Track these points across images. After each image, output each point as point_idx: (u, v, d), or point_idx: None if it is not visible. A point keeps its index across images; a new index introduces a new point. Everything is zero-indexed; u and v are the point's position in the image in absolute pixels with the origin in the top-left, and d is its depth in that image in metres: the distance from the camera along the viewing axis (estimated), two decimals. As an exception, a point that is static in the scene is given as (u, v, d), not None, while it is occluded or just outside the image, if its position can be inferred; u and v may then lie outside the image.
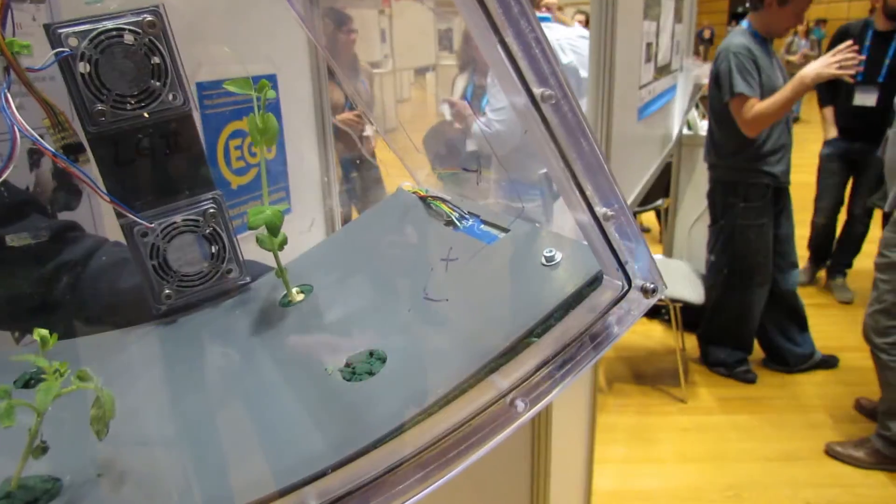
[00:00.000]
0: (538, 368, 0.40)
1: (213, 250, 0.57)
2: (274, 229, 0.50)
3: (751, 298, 2.81)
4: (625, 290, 0.42)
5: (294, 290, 0.55)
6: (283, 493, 0.35)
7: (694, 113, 3.33)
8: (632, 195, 2.33)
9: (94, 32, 0.49)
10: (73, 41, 0.49)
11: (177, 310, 0.57)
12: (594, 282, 0.43)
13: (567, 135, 0.36)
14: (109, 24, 0.49)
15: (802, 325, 2.98)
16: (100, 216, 1.04)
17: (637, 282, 0.42)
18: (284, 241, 0.53)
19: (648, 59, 2.60)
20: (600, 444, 2.19)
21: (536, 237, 0.49)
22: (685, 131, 3.35)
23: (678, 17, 2.94)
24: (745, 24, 2.62)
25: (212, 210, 0.56)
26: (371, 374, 0.43)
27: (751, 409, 2.85)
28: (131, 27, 0.50)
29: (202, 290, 0.57)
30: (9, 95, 0.46)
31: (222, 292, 0.58)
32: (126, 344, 0.52)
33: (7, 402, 0.33)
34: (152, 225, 0.54)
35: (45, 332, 0.47)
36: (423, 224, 0.58)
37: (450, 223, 0.56)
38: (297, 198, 1.59)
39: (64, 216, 0.76)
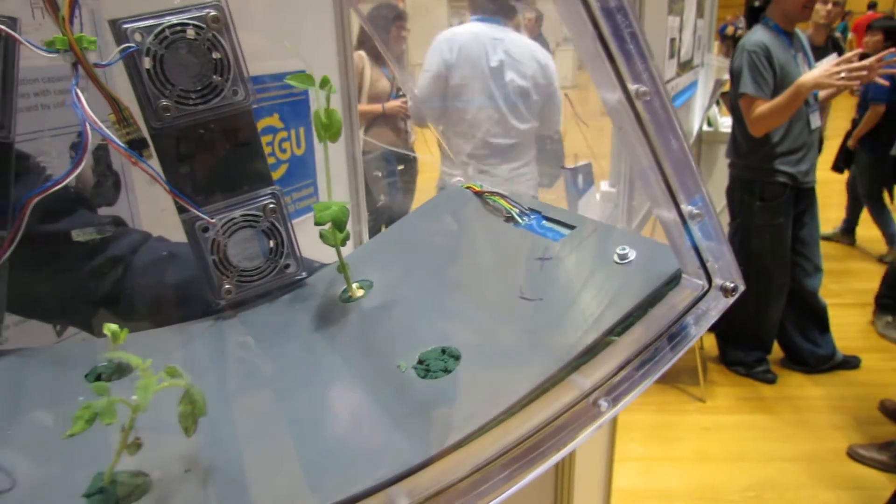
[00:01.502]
0: (620, 368, 0.40)
1: (272, 245, 0.57)
2: (340, 224, 0.49)
3: (769, 298, 2.79)
4: (705, 289, 0.42)
5: (354, 286, 0.55)
6: (372, 491, 0.35)
7: (714, 109, 3.30)
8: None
9: (159, 28, 0.49)
10: (138, 36, 0.48)
11: (235, 304, 0.56)
12: (672, 281, 0.43)
13: (658, 132, 0.36)
14: (174, 20, 0.49)
15: (823, 326, 2.95)
16: (137, 211, 1.05)
17: (717, 281, 0.42)
18: (347, 237, 0.53)
19: (672, 55, 2.58)
20: (619, 442, 2.18)
21: (604, 234, 0.49)
22: (705, 128, 3.33)
23: (700, 12, 2.92)
24: (765, 19, 2.60)
25: (271, 205, 0.56)
26: (447, 371, 0.43)
27: (770, 409, 2.83)
28: (195, 22, 0.50)
29: (260, 284, 0.57)
30: (80, 92, 0.46)
31: (280, 287, 0.58)
32: (189, 338, 0.52)
33: (107, 399, 0.33)
34: (213, 220, 0.53)
35: (115, 326, 0.47)
36: (483, 220, 0.57)
37: (510, 219, 0.55)
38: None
39: (102, 212, 0.77)
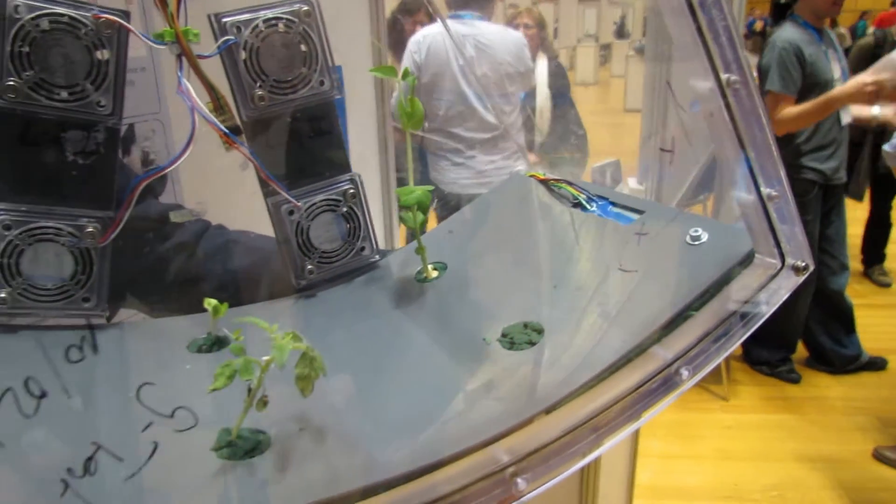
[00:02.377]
0: (699, 341, 0.42)
1: (350, 228, 0.60)
2: (424, 208, 0.52)
3: (794, 296, 2.78)
4: (778, 268, 0.44)
5: (429, 268, 0.58)
6: (478, 448, 0.38)
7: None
8: (681, 189, 2.33)
9: (256, 21, 0.52)
10: (236, 30, 0.52)
11: (315, 284, 0.60)
12: (745, 260, 0.45)
13: (744, 118, 0.38)
14: (269, 14, 0.52)
15: (849, 326, 2.94)
16: (181, 201, 1.09)
17: (790, 260, 0.44)
18: (425, 221, 0.56)
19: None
20: (641, 439, 2.19)
21: (673, 217, 0.51)
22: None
23: (728, 8, 2.92)
24: (794, 15, 2.59)
25: (351, 190, 0.59)
26: (531, 343, 0.45)
27: (794, 409, 2.82)
28: (288, 16, 0.53)
29: (338, 266, 0.60)
30: (187, 82, 0.49)
31: (356, 269, 0.61)
32: (277, 313, 0.56)
33: (244, 358, 0.36)
34: (299, 204, 0.57)
35: (214, 301, 0.51)
36: (550, 206, 0.60)
37: (577, 205, 0.58)
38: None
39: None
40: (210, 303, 0.51)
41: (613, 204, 0.57)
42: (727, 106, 0.37)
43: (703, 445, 2.67)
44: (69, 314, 0.52)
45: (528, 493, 0.38)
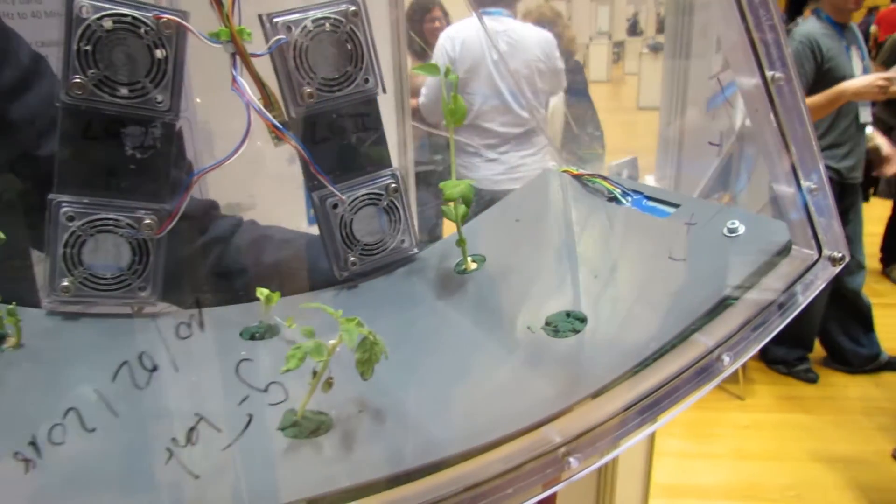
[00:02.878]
0: (740, 328, 0.44)
1: (391, 221, 0.62)
2: (468, 201, 0.54)
3: (812, 294, 2.77)
4: (815, 259, 0.46)
5: (468, 259, 0.59)
6: (531, 429, 0.39)
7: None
8: (698, 188, 2.33)
9: (306, 21, 0.54)
10: (287, 29, 0.54)
11: (356, 276, 0.62)
12: (783, 251, 0.47)
13: (787, 114, 0.40)
14: (318, 14, 0.54)
15: (867, 325, 2.92)
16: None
17: (826, 251, 0.46)
18: (466, 213, 0.57)
19: (718, 50, 2.59)
20: (656, 437, 2.20)
21: (709, 210, 0.53)
22: (748, 122, 3.32)
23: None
24: (817, 10, 2.59)
25: (394, 185, 0.61)
26: (575, 331, 0.47)
27: (811, 408, 2.82)
28: (337, 16, 0.55)
29: (379, 258, 0.62)
30: (242, 80, 0.51)
31: (396, 261, 0.63)
32: (322, 303, 0.57)
33: (314, 340, 0.38)
34: (344, 197, 0.59)
35: (266, 291, 0.53)
36: (585, 200, 0.61)
37: (612, 199, 0.60)
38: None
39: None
40: (262, 292, 0.53)
41: (648, 198, 0.58)
42: (771, 101, 0.39)
43: (720, 445, 2.67)
44: (125, 302, 0.54)
45: (579, 471, 0.39)
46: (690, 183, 2.09)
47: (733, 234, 0.49)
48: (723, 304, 0.45)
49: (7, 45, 0.67)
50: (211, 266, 0.80)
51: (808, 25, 2.47)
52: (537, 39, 2.42)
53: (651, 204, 0.57)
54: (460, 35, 2.32)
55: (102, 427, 0.37)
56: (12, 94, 0.67)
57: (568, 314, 0.49)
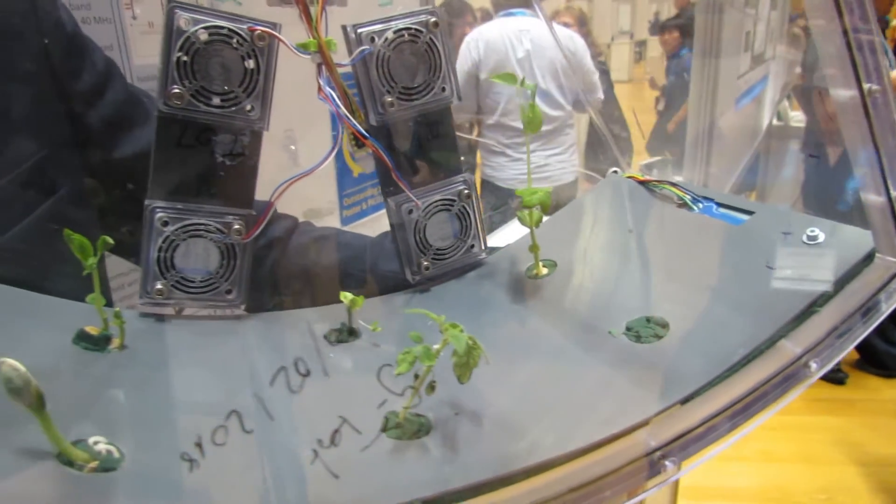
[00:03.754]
0: (826, 335, 0.45)
1: (462, 227, 0.63)
2: (546, 207, 0.55)
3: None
4: (899, 267, 0.46)
5: (539, 265, 0.61)
6: (627, 432, 0.41)
7: (785, 103, 3.27)
8: (726, 187, 2.32)
9: (388, 31, 0.55)
10: (370, 40, 0.55)
11: (428, 280, 0.63)
12: (867, 259, 0.47)
13: (880, 125, 0.41)
14: (400, 25, 0.56)
15: (903, 327, 2.89)
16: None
17: (911, 260, 0.46)
18: (540, 219, 0.59)
19: (746, 49, 2.58)
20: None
21: (784, 218, 0.54)
22: (775, 122, 3.30)
23: (773, 3, 2.90)
24: None
25: (466, 191, 0.62)
26: (658, 337, 0.48)
27: (841, 411, 2.79)
28: (418, 27, 0.56)
29: (450, 262, 0.63)
30: (329, 90, 0.53)
31: (467, 265, 0.64)
32: (397, 307, 0.59)
33: (424, 346, 0.40)
34: (419, 203, 0.60)
35: (350, 295, 0.54)
36: (653, 206, 0.62)
37: (682, 205, 0.60)
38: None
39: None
40: (346, 296, 0.55)
41: (719, 205, 0.59)
42: (866, 112, 0.40)
43: (748, 447, 2.65)
44: (213, 305, 0.56)
45: (675, 474, 0.41)
46: (719, 182, 2.09)
47: (813, 242, 0.50)
48: (808, 311, 0.46)
49: (84, 53, 0.69)
50: (269, 268, 0.82)
51: None
52: (562, 38, 2.42)
53: (723, 211, 0.58)
54: (483, 37, 2.34)
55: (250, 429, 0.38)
56: (90, 99, 0.69)
57: (648, 319, 0.50)
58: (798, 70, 2.97)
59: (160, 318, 0.54)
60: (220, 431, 0.36)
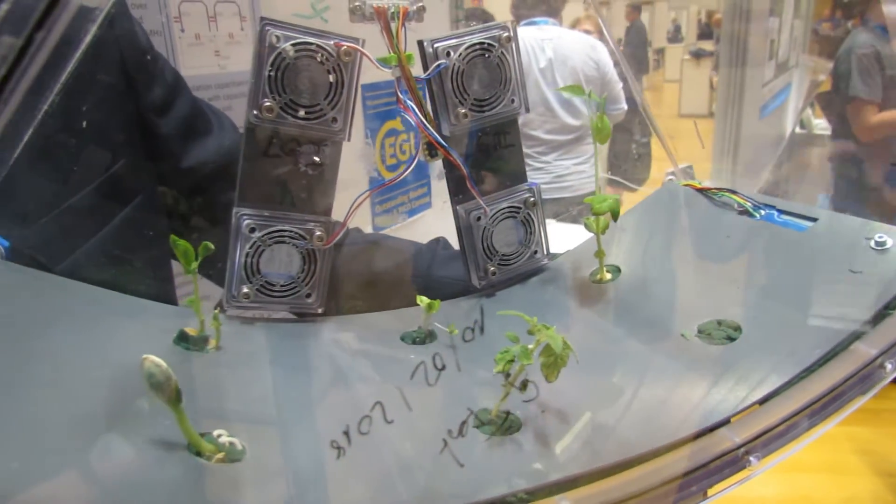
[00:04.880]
0: (901, 338, 0.46)
1: (526, 233, 0.65)
2: (616, 214, 0.57)
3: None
4: (969, 272, 0.48)
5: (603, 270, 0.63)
6: (709, 430, 0.42)
7: (808, 111, 3.27)
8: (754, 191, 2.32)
9: (463, 46, 0.58)
10: (446, 54, 0.57)
11: (494, 285, 0.65)
12: (935, 264, 0.49)
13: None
14: (475, 39, 0.58)
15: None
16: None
17: (980, 265, 0.48)
18: (607, 225, 0.60)
19: (771, 57, 2.59)
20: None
21: (849, 224, 0.55)
22: (798, 130, 3.29)
23: (797, 12, 2.91)
24: (867, 19, 2.56)
25: (532, 199, 0.64)
26: (730, 339, 0.50)
27: (868, 421, 2.75)
28: (491, 41, 0.59)
29: (514, 268, 0.65)
30: (410, 102, 0.55)
31: (530, 271, 0.66)
32: (467, 310, 0.61)
33: (521, 346, 0.42)
34: (489, 210, 0.62)
35: (426, 299, 0.56)
36: (713, 213, 0.64)
37: (744, 212, 0.62)
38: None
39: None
40: (423, 300, 0.57)
41: (781, 212, 0.61)
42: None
43: (773, 455, 2.63)
44: (294, 308, 0.59)
45: (759, 469, 0.42)
46: (746, 188, 2.09)
47: (882, 248, 0.52)
48: (882, 314, 0.47)
49: (155, 66, 0.72)
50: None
51: (864, 35, 2.45)
52: (585, 46, 2.44)
53: (785, 218, 0.60)
54: None
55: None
56: (161, 110, 0.72)
57: (719, 323, 0.52)
58: (822, 78, 2.97)
59: (246, 320, 0.57)
60: (365, 421, 0.38)
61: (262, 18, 0.52)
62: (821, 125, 3.07)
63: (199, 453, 0.37)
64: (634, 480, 0.40)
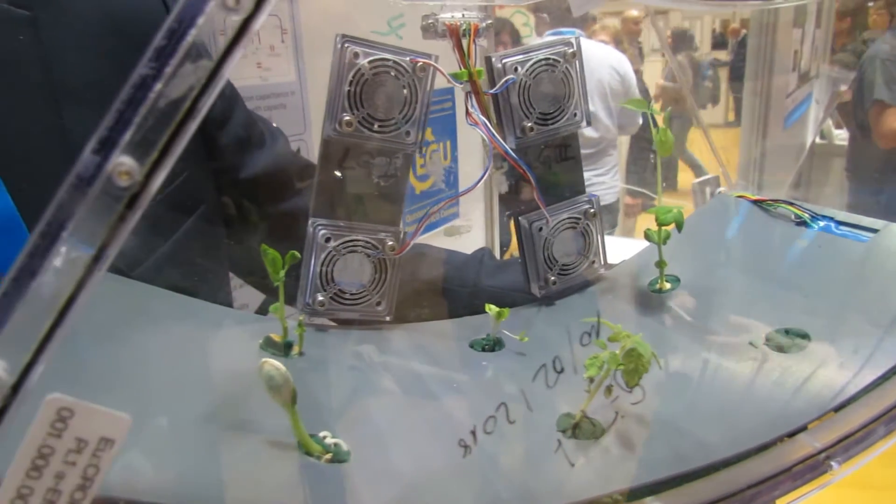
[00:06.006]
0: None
1: (585, 243, 0.67)
2: (681, 225, 0.59)
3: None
4: None
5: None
6: (793, 433, 0.44)
7: (829, 121, 3.27)
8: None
9: (531, 62, 0.60)
10: (514, 70, 0.59)
11: (553, 294, 0.67)
12: None
13: None
14: (541, 55, 0.60)
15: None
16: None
17: None
18: (668, 236, 0.62)
19: (794, 68, 2.60)
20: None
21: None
22: (818, 140, 3.30)
23: (818, 22, 2.92)
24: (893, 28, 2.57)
25: (592, 210, 0.66)
26: (800, 347, 0.51)
27: None
28: (556, 57, 0.60)
29: (572, 277, 0.67)
30: (482, 116, 0.57)
31: (587, 280, 0.68)
32: (528, 318, 0.63)
33: (611, 351, 0.43)
34: (551, 220, 0.64)
35: (496, 307, 0.58)
36: (770, 224, 0.65)
37: (801, 223, 0.63)
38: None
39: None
40: (491, 308, 0.59)
41: (839, 223, 0.62)
42: None
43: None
44: (364, 316, 0.60)
45: (840, 473, 0.43)
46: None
47: (947, 258, 0.53)
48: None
49: None
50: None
51: (888, 43, 2.46)
52: (610, 59, 2.46)
53: (844, 229, 0.61)
54: None
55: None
56: (220, 122, 0.75)
57: (787, 331, 0.53)
58: (843, 88, 2.97)
59: (319, 327, 0.58)
60: (490, 421, 0.39)
61: (343, 36, 0.54)
62: (841, 135, 3.08)
63: (308, 454, 0.38)
64: (722, 483, 0.41)
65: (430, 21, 0.57)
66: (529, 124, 0.61)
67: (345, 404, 0.46)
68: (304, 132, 1.35)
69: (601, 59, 2.39)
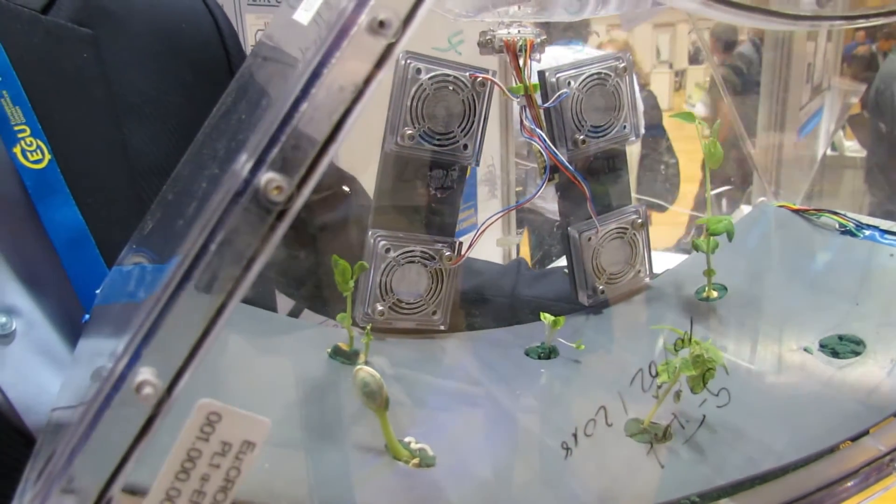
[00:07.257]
0: None
1: (632, 253, 0.68)
2: (731, 235, 0.60)
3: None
4: None
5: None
6: (856, 437, 0.45)
7: (840, 133, 3.28)
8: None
9: (583, 76, 0.61)
10: (567, 84, 0.61)
11: (601, 303, 0.68)
12: None
13: None
14: (593, 70, 0.62)
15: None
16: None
17: None
18: (716, 246, 0.63)
19: (808, 80, 2.62)
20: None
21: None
22: (829, 152, 3.31)
23: (829, 35, 2.94)
24: None
25: (639, 220, 0.67)
26: (855, 353, 0.52)
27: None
28: (608, 71, 0.62)
29: (619, 286, 0.68)
30: (539, 129, 0.59)
31: (634, 289, 0.69)
32: (577, 326, 0.64)
33: (683, 357, 0.44)
34: (600, 230, 0.65)
35: (551, 316, 0.59)
36: (814, 233, 0.67)
37: (846, 232, 0.65)
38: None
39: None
40: (547, 317, 0.60)
41: (884, 232, 0.63)
42: None
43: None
44: (420, 325, 0.62)
45: (906, 477, 0.44)
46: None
47: None
48: None
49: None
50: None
51: None
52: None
53: (890, 238, 0.62)
54: (536, 67, 2.40)
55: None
56: None
57: (841, 338, 0.54)
58: (854, 101, 2.99)
59: (378, 336, 0.60)
60: (591, 424, 0.41)
61: (407, 52, 0.56)
62: (852, 147, 3.09)
63: (396, 458, 0.39)
64: (792, 486, 0.42)
65: (487, 37, 0.58)
66: (581, 137, 0.62)
67: (417, 411, 0.47)
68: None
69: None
